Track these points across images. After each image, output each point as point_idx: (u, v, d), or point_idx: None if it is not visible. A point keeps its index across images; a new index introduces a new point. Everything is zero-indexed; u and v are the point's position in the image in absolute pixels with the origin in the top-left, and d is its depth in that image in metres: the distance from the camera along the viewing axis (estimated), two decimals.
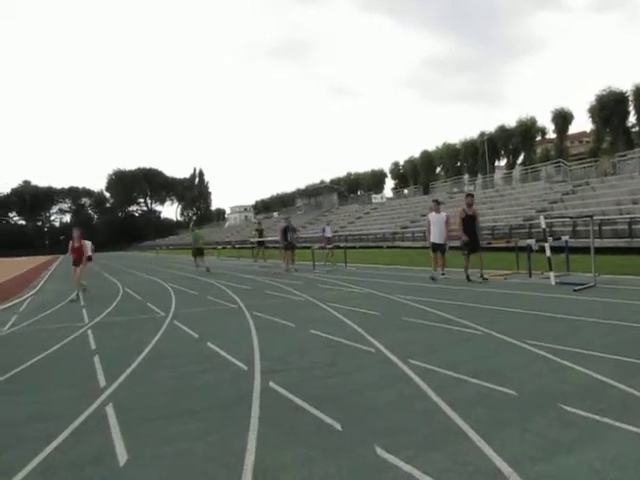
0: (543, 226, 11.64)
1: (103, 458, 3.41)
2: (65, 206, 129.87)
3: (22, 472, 3.26)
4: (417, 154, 63.46)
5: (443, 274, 13.51)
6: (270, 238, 27.77)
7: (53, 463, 3.40)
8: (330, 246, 22.78)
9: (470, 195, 13.58)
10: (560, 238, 13.35)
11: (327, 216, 48.68)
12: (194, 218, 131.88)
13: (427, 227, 14.00)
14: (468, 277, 12.47)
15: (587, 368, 4.74)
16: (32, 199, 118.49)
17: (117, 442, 3.65)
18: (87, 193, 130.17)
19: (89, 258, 29.56)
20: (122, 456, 3.41)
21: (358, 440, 3.45)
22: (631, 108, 41.97)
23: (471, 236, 12.65)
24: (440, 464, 3.03)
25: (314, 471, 3.06)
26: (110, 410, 4.37)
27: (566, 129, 49.05)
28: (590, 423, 3.50)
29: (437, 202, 14.27)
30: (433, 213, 13.90)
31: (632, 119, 42.43)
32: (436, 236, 13.63)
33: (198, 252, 22.63)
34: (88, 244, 31.09)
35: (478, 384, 4.49)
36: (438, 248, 13.65)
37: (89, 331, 8.50)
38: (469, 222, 12.77)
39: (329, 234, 24.09)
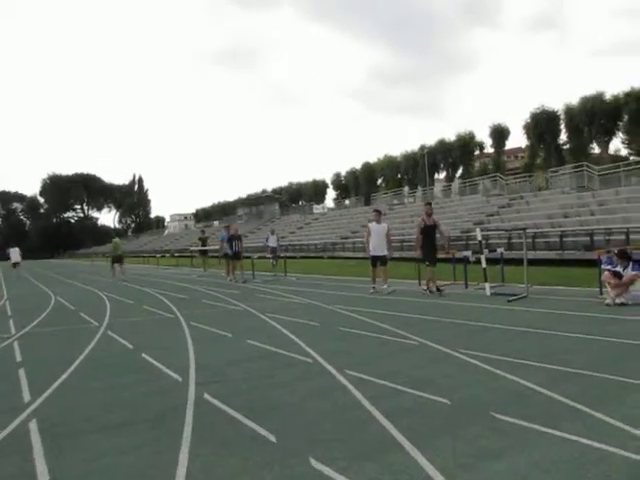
0: (479, 238, 11.94)
1: (22, 479, 3.23)
2: None
3: None
4: (359, 165, 64.13)
5: (387, 286, 12.71)
6: (214, 247, 27.25)
7: None
8: (271, 256, 22.52)
9: (428, 204, 13.16)
10: (495, 250, 13.71)
11: (273, 224, 48.36)
12: (132, 225, 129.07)
13: (366, 237, 13.31)
14: (429, 289, 11.93)
15: (517, 376, 4.86)
16: None
17: (38, 461, 3.47)
18: (19, 198, 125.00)
19: (14, 265, 28.23)
20: (42, 476, 3.24)
21: (292, 451, 3.41)
22: (562, 126, 43.81)
23: (430, 248, 12.11)
24: (374, 474, 3.02)
25: None
26: (33, 426, 4.17)
27: (503, 144, 50.63)
28: (518, 429, 3.58)
29: (379, 212, 13.82)
30: (374, 223, 13.25)
31: (563, 137, 44.30)
32: (376, 248, 12.94)
33: (117, 260, 22.76)
34: (16, 250, 29.79)
35: (413, 394, 4.53)
36: (378, 260, 12.97)
37: (15, 343, 8.11)
38: (428, 233, 12.19)
39: (273, 243, 23.41)
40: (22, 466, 3.42)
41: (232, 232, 19.80)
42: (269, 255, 22.70)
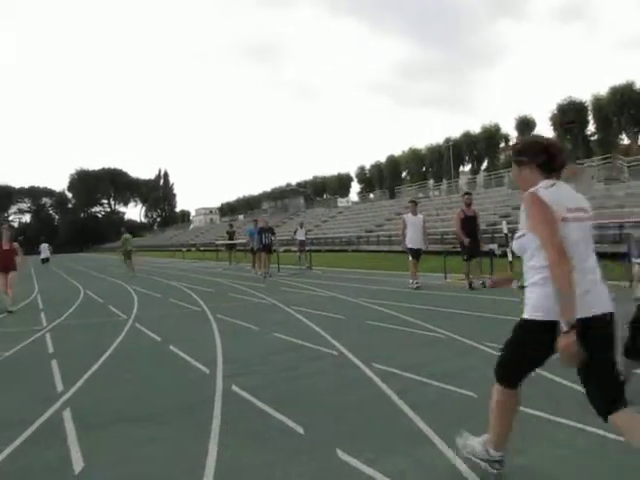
0: (505, 231, 11.86)
1: (57, 466, 3.32)
2: (24, 206, 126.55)
3: None
4: (383, 158, 63.83)
5: (416, 282, 12.02)
6: (241, 241, 27.24)
7: (5, 471, 3.30)
8: (299, 249, 21.78)
9: (468, 193, 12.54)
10: None
11: (299, 217, 48.27)
12: (158, 219, 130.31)
13: (402, 230, 12.57)
14: (470, 284, 11.39)
15: (545, 370, 4.80)
16: None
17: (73, 449, 3.56)
18: (48, 193, 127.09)
19: (43, 260, 28.55)
20: (78, 463, 3.32)
21: (320, 443, 3.44)
22: (590, 117, 43.04)
23: (471, 239, 11.42)
24: (401, 467, 3.04)
25: (276, 474, 3.04)
26: (67, 415, 4.26)
27: (529, 136, 50.06)
28: (546, 423, 3.57)
29: (415, 202, 13.13)
30: (409, 214, 12.57)
31: (591, 128, 43.53)
32: (413, 240, 12.27)
33: (126, 255, 23.26)
34: (45, 247, 30.35)
35: (439, 386, 4.53)
36: (416, 254, 12.29)
37: (47, 335, 8.29)
38: (469, 224, 11.57)
39: (302, 237, 22.38)
40: (58, 453, 3.51)
41: (262, 224, 19.13)
42: (297, 248, 22.11)
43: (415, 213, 12.64)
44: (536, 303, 2.65)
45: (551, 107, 48.90)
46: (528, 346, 2.83)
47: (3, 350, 7.05)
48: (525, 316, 2.76)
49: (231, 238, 26.77)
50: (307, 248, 22.30)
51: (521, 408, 3.74)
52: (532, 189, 2.62)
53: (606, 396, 2.57)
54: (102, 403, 4.63)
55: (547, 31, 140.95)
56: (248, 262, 21.75)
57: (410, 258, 12.27)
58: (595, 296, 2.55)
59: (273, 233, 18.81)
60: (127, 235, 24.36)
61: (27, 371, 6.05)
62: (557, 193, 2.59)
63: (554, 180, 2.68)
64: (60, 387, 5.15)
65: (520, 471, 2.96)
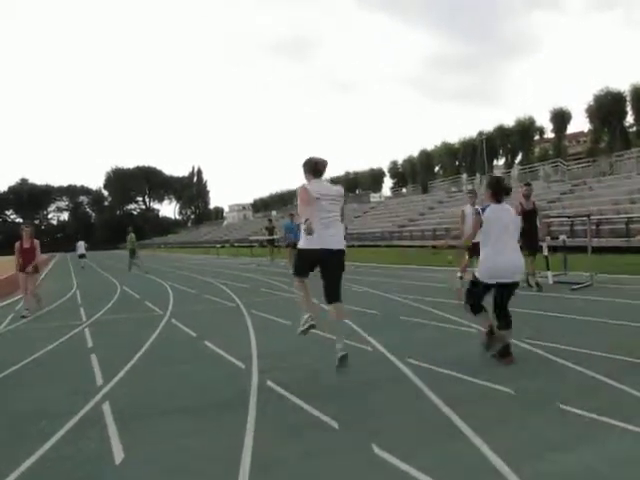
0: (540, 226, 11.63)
1: (99, 456, 3.40)
2: (63, 204, 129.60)
3: (19, 469, 3.25)
4: (416, 153, 63.36)
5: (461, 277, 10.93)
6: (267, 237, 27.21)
7: (50, 461, 3.40)
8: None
9: (528, 184, 11.44)
10: (558, 237, 13.36)
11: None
12: (192, 216, 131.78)
13: (460, 223, 11.28)
14: (528, 282, 10.34)
15: (583, 367, 4.73)
16: (29, 197, 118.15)
17: (113, 440, 3.64)
18: (85, 191, 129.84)
19: (80, 256, 28.83)
20: (118, 454, 3.40)
21: (355, 438, 3.45)
22: (629, 108, 41.93)
23: (528, 235, 10.04)
24: (437, 462, 3.02)
25: (311, 469, 3.05)
26: (107, 408, 4.36)
27: (564, 129, 48.96)
28: (587, 422, 3.49)
29: (474, 193, 11.77)
30: (468, 206, 11.13)
31: (630, 119, 42.43)
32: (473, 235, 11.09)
33: (131, 253, 23.50)
34: (81, 244, 30.81)
35: (475, 382, 4.48)
36: (473, 249, 11.49)
37: (86, 329, 8.48)
38: (528, 218, 10.17)
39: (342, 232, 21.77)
40: (100, 445, 3.59)
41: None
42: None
43: (474, 204, 11.14)
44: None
45: (587, 98, 48.00)
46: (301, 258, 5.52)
47: (45, 344, 7.24)
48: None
49: (271, 233, 26.19)
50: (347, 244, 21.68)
51: (582, 412, 3.69)
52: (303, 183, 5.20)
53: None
54: (140, 397, 4.72)
55: (582, 20, 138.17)
56: (283, 257, 21.79)
57: (467, 256, 11.03)
58: (325, 237, 5.07)
59: None
60: (133, 235, 24.15)
61: (68, 365, 6.21)
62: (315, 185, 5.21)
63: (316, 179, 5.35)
64: (100, 381, 5.26)
65: (565, 469, 2.91)
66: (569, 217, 19.50)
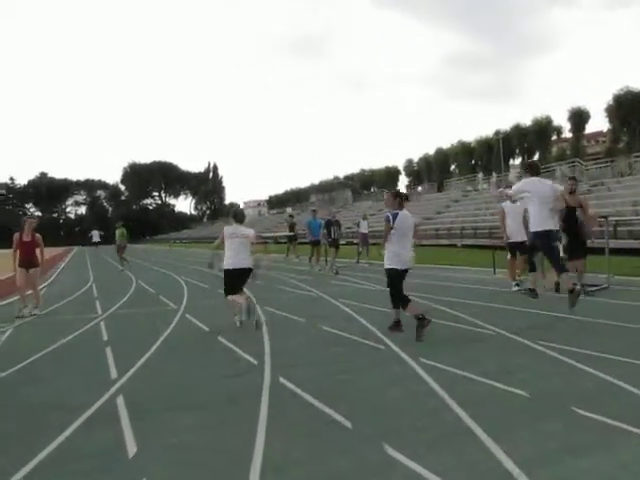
0: (557, 227, 11.51)
1: (113, 449, 3.43)
2: (80, 198, 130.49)
3: (35, 459, 3.29)
4: (431, 151, 63.19)
5: (518, 284, 10.32)
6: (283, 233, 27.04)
7: (65, 452, 3.43)
8: (360, 242, 20.08)
9: (572, 178, 10.61)
10: None
11: (349, 210, 48.01)
12: (208, 212, 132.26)
13: (501, 220, 10.70)
14: (557, 287, 9.55)
15: (599, 370, 4.68)
16: (48, 191, 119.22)
17: (127, 433, 3.67)
18: (102, 185, 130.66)
19: (96, 244, 28.29)
20: (131, 447, 3.43)
21: (367, 438, 3.44)
22: None
23: (572, 235, 9.70)
24: (449, 464, 3.00)
25: (323, 468, 3.05)
26: (121, 401, 4.40)
27: (582, 128, 48.51)
28: (603, 427, 3.44)
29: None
30: (508, 202, 10.45)
31: None
32: (515, 232, 10.26)
33: (121, 248, 22.07)
34: (95, 233, 30.25)
35: (489, 384, 4.46)
36: (518, 248, 10.20)
37: (102, 323, 8.55)
38: (570, 216, 9.75)
39: (365, 229, 20.38)
40: (113, 437, 3.63)
41: (330, 217, 17.71)
42: (357, 241, 20.19)
43: (516, 200, 10.26)
44: None
45: (606, 98, 47.46)
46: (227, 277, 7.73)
47: (62, 337, 7.31)
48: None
49: (292, 230, 25.05)
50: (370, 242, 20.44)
51: (597, 416, 3.65)
52: None
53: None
54: (153, 391, 4.76)
55: (602, 18, 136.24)
56: (300, 254, 21.83)
57: (509, 255, 10.56)
58: (237, 259, 7.83)
59: (339, 226, 17.77)
60: (122, 229, 22.56)
61: (83, 357, 6.27)
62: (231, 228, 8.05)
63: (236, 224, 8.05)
64: (114, 374, 5.31)
65: (580, 475, 2.87)
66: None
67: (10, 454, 3.45)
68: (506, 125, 54.06)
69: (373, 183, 73.10)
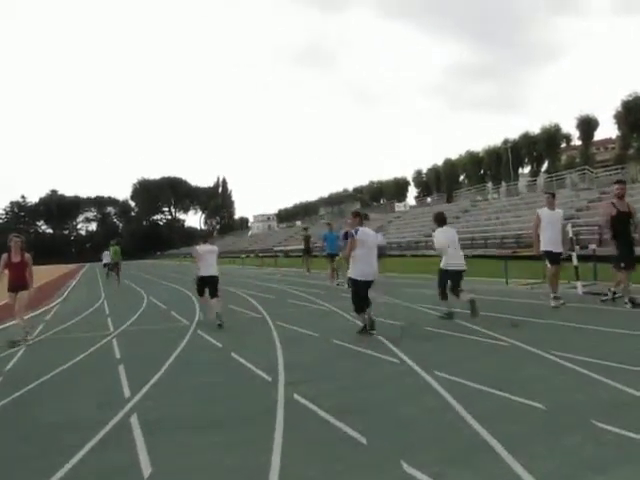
0: (570, 235, 11.45)
1: (128, 469, 3.42)
2: (91, 215, 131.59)
3: None
4: (440, 162, 63.22)
5: (557, 297, 9.39)
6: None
7: (79, 473, 3.42)
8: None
9: (620, 182, 9.67)
10: (587, 247, 13.14)
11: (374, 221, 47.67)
12: (217, 226, 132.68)
13: (535, 228, 9.87)
14: (631, 300, 8.77)
15: (617, 382, 4.61)
16: (59, 208, 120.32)
17: (141, 453, 3.65)
18: (112, 202, 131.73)
19: (104, 265, 27.61)
20: (146, 468, 3.41)
21: (384, 454, 3.41)
22: None
23: (622, 242, 9.01)
24: None
25: None
26: (134, 421, 4.38)
27: (591, 135, 48.36)
28: (623, 441, 3.38)
29: (552, 195, 10.33)
30: (545, 209, 9.83)
31: None
32: (551, 241, 9.49)
33: (114, 267, 22.77)
34: (107, 254, 28.90)
35: (505, 397, 4.40)
36: (555, 259, 9.55)
37: (114, 340, 8.56)
38: (621, 221, 9.06)
39: (381, 242, 18.15)
40: (128, 457, 3.61)
41: (347, 228, 16.79)
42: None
43: (553, 207, 9.81)
44: None
45: (615, 104, 47.31)
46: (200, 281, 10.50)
47: (74, 355, 7.32)
48: None
49: (307, 243, 24.03)
50: (388, 253, 19.91)
51: (617, 430, 3.59)
52: None
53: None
54: (167, 409, 4.74)
55: (608, 25, 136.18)
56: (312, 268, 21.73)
57: (548, 264, 9.70)
58: (208, 268, 10.31)
59: None
60: (116, 247, 23.18)
61: (96, 376, 6.27)
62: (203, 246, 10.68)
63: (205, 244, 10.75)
64: (127, 392, 5.30)
65: None
66: (599, 226, 19.19)
67: (26, 475, 3.44)
68: (514, 134, 53.97)
69: (382, 195, 73.14)
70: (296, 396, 4.79)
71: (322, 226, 28.60)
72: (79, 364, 6.93)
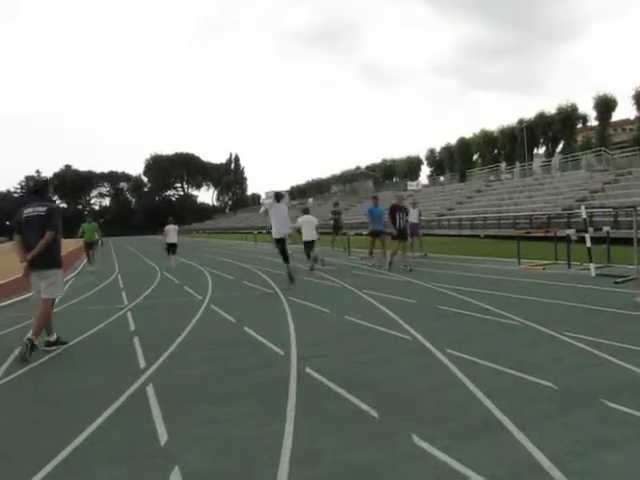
0: (584, 216, 11.40)
1: (144, 437, 3.49)
2: (104, 190, 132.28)
3: (69, 447, 3.37)
4: (454, 141, 62.63)
5: None
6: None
7: (97, 439, 3.50)
8: (410, 233, 15.95)
9: None
10: (601, 229, 13.06)
11: (412, 196, 47.18)
12: (230, 203, 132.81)
13: None
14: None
15: (629, 363, 4.63)
16: (73, 183, 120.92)
17: (157, 422, 3.73)
18: (125, 177, 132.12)
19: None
20: (162, 436, 3.49)
21: (395, 427, 3.45)
22: None
23: None
24: (478, 455, 3.00)
25: (352, 457, 3.07)
26: (150, 391, 4.47)
27: (609, 116, 47.57)
28: (634, 420, 3.41)
29: None
30: None
31: None
32: None
33: (90, 246, 19.02)
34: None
35: (516, 375, 4.43)
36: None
37: (128, 313, 8.68)
38: None
39: (414, 219, 17.46)
40: (144, 426, 3.69)
41: (396, 202, 14.50)
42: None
43: None
44: None
45: (634, 84, 46.49)
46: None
47: (90, 327, 7.45)
48: None
49: (337, 220, 22.09)
50: (422, 232, 18.90)
51: (628, 409, 3.61)
52: None
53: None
54: (181, 381, 4.81)
55: (627, 3, 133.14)
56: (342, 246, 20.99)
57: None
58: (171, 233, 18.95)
59: (408, 213, 14.71)
60: (87, 224, 19.28)
61: (112, 347, 6.38)
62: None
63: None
64: (142, 363, 5.39)
65: (614, 468, 2.85)
66: (613, 208, 19.04)
67: (45, 441, 3.53)
68: (530, 114, 53.31)
69: (395, 173, 72.76)
70: (308, 370, 4.86)
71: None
72: (95, 335, 7.05)
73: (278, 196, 11.93)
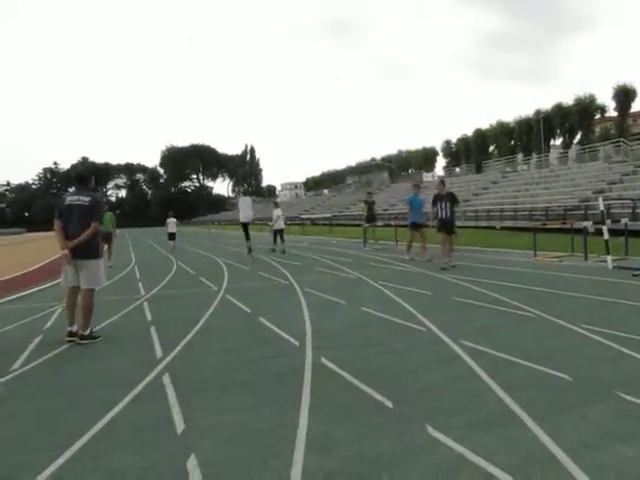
0: (602, 208, 11.28)
1: (161, 425, 3.54)
2: (121, 181, 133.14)
3: (87, 435, 3.42)
4: (470, 132, 62.20)
5: None
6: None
7: (115, 426, 3.56)
8: (438, 225, 12.65)
9: None
10: (619, 221, 12.92)
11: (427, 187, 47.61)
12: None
13: None
14: None
15: None
16: (90, 174, 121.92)
17: (174, 411, 3.78)
18: (142, 169, 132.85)
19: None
20: (179, 424, 3.53)
21: (409, 418, 3.47)
22: None
23: None
24: (492, 446, 3.00)
25: (366, 447, 3.09)
26: (167, 380, 4.52)
27: (628, 107, 46.93)
28: None
29: None
30: None
31: None
32: None
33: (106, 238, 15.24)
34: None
35: (531, 367, 4.42)
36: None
37: (145, 303, 8.76)
38: None
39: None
40: (161, 414, 3.74)
41: (438, 190, 12.75)
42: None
43: None
44: None
45: None
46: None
47: (108, 316, 7.53)
48: None
49: (370, 210, 20.39)
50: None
51: (637, 400, 3.60)
52: None
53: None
54: (198, 370, 4.86)
55: None
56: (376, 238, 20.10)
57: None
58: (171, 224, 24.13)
59: (456, 202, 12.53)
60: (109, 214, 16.29)
61: (129, 337, 6.45)
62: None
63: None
64: (159, 353, 5.45)
65: (629, 462, 2.84)
66: (632, 200, 18.83)
67: (64, 428, 3.59)
68: (547, 105, 52.77)
69: (410, 164, 72.43)
70: (323, 360, 4.88)
71: (348, 194, 27.39)
72: (112, 325, 7.13)
73: (245, 192, 16.28)
